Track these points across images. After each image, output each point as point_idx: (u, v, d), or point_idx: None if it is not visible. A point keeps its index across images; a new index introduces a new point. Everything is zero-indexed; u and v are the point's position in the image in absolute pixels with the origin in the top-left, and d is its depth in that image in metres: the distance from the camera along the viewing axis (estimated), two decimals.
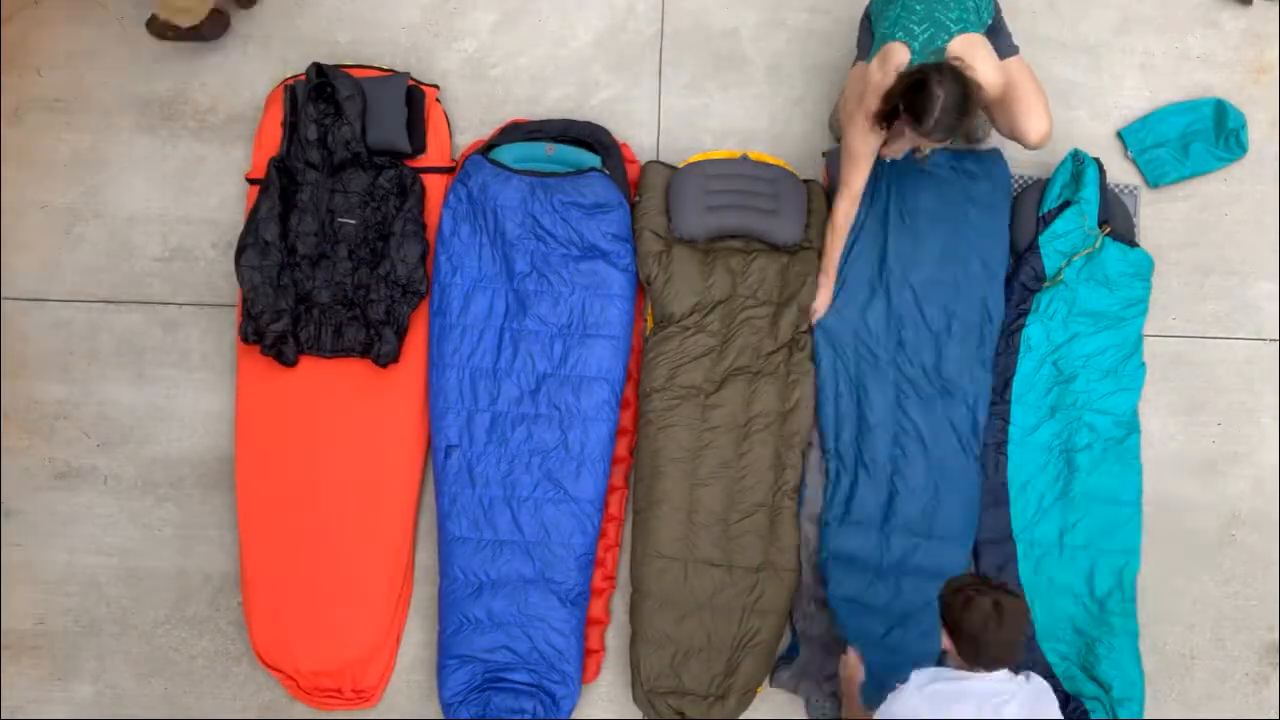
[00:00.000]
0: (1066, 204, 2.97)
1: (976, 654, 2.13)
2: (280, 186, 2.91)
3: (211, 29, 3.08)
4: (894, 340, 2.93)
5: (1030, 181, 3.11)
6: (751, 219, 2.89)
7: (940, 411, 2.88)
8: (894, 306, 2.93)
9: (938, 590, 2.75)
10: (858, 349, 2.92)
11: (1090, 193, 2.95)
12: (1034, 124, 2.68)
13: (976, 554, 2.89)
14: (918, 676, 2.19)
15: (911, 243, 2.96)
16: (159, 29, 3.07)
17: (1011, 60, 2.68)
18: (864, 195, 2.89)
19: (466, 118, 3.15)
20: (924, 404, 2.89)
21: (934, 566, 2.80)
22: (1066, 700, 2.76)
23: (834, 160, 3.08)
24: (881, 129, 2.57)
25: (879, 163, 2.91)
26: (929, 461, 2.86)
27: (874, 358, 2.91)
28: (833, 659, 2.79)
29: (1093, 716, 2.75)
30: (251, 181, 3.00)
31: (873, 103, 2.54)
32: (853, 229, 2.95)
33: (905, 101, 2.44)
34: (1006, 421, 2.92)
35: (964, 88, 2.42)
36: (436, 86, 3.10)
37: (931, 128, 2.43)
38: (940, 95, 2.39)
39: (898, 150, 2.82)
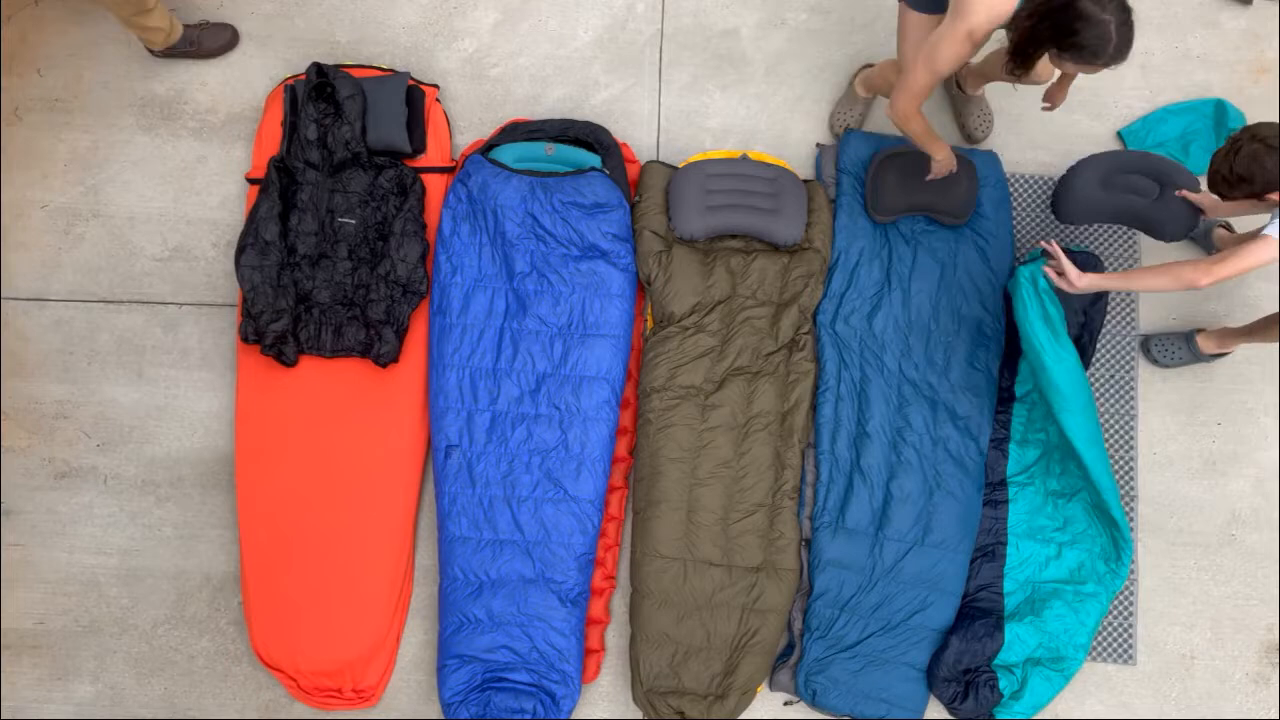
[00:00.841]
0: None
1: None
2: (280, 186, 2.91)
3: (213, 42, 3.11)
4: (902, 346, 2.92)
5: (1027, 180, 3.11)
6: (751, 219, 2.89)
7: (944, 418, 2.88)
8: (902, 313, 2.94)
9: (927, 599, 2.78)
10: (864, 354, 2.92)
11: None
12: None
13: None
14: None
15: (918, 249, 2.96)
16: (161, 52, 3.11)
17: None
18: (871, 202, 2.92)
19: (466, 118, 3.15)
20: (927, 410, 2.88)
21: (927, 574, 2.81)
22: (978, 671, 2.78)
23: (827, 153, 3.09)
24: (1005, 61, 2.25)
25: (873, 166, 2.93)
26: (927, 468, 2.86)
27: (880, 363, 2.91)
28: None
29: (1000, 684, 2.77)
30: (251, 181, 3.00)
31: (981, 19, 2.17)
32: (860, 236, 2.96)
33: (1062, 32, 2.08)
34: (1010, 417, 2.93)
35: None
36: (436, 86, 3.10)
37: (1112, 55, 2.10)
38: (1107, 14, 2.05)
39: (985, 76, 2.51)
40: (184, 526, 2.95)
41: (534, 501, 2.81)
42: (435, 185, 3.02)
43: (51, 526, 2.95)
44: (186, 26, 3.09)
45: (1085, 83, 3.20)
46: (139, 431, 2.99)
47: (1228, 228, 3.02)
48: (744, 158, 2.98)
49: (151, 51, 3.10)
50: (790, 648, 2.84)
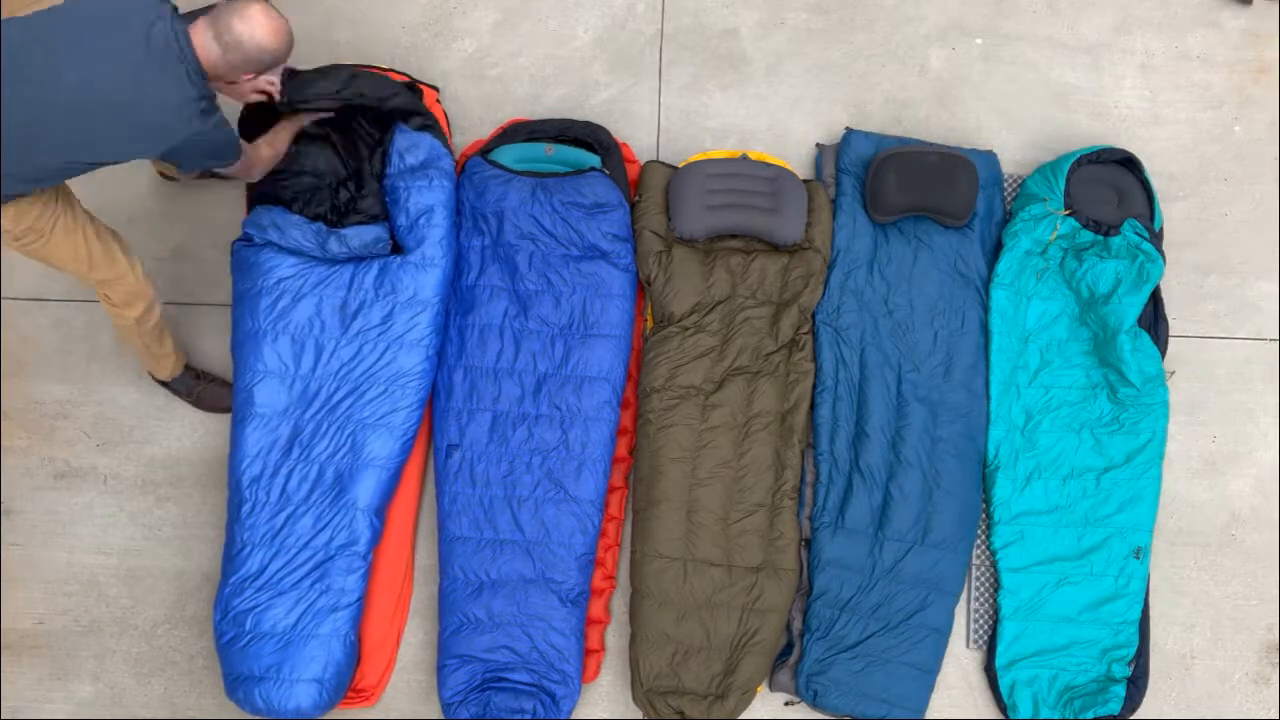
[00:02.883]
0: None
1: None
2: None
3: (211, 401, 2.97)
4: (901, 346, 2.92)
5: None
6: (752, 218, 2.89)
7: (943, 418, 2.88)
8: (901, 313, 2.94)
9: (928, 598, 2.78)
10: (862, 354, 2.92)
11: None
12: None
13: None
14: None
15: (919, 249, 2.97)
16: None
17: None
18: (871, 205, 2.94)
19: (466, 118, 3.15)
20: (926, 410, 2.88)
21: (927, 574, 2.81)
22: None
23: (827, 153, 3.09)
24: None
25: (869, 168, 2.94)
26: (926, 468, 2.85)
27: (878, 363, 2.90)
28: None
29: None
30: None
31: None
32: (860, 235, 2.97)
33: None
34: None
35: None
36: (437, 89, 3.09)
37: None
38: None
39: None
40: (184, 526, 2.95)
41: (535, 501, 2.81)
42: None
43: (51, 526, 2.95)
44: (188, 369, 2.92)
45: (1085, 82, 3.20)
46: (139, 431, 2.99)
47: None
48: (744, 158, 2.98)
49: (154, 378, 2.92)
50: (789, 647, 2.84)
